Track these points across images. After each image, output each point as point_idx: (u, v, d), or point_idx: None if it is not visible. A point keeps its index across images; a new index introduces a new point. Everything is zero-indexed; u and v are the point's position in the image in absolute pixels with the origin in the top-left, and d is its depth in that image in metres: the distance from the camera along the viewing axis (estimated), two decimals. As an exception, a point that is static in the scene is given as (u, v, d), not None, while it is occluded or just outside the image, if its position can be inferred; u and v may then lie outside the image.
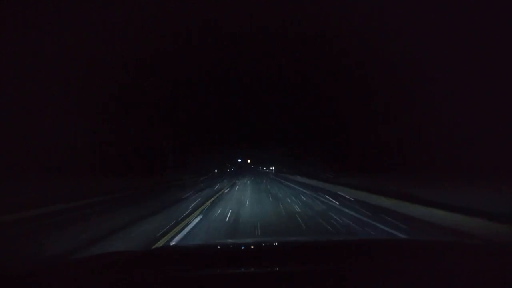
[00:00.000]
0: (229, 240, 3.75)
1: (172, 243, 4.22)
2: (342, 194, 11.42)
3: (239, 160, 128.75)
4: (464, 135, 13.35)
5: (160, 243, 4.08)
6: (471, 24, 13.51)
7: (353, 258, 1.32)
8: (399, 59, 17.05)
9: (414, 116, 16.51)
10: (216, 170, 50.76)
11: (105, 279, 1.08)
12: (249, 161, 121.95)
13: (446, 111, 14.57)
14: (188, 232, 5.00)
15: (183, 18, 24.74)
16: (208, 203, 9.01)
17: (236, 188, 15.65)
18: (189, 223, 5.70)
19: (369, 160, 21.39)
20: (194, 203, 8.81)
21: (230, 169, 76.23)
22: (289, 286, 1.00)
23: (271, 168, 67.33)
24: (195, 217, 6.35)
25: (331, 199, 10.04)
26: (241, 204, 8.83)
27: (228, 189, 15.01)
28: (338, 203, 8.86)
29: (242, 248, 1.78)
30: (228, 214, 6.91)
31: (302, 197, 10.90)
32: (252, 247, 1.81)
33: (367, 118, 22.17)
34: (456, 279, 0.99)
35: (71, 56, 15.22)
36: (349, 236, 4.92)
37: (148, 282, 1.05)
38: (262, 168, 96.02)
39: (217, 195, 11.71)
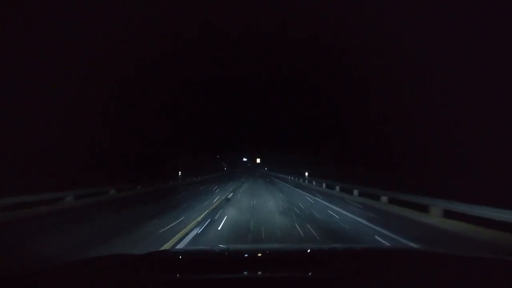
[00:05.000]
0: (231, 246, 3.71)
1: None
2: None
3: (245, 160, 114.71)
4: (465, 135, 13.33)
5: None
6: (472, 23, 13.51)
7: (357, 267, 1.31)
8: (399, 59, 17.04)
9: (415, 116, 16.50)
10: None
11: (106, 281, 1.07)
12: (258, 160, 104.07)
13: (446, 110, 14.56)
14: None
15: (183, 18, 24.76)
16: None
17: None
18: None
19: (373, 159, 21.31)
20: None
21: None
22: None
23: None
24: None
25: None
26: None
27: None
28: None
29: (244, 255, 1.75)
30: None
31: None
32: (254, 253, 1.78)
33: (369, 118, 22.15)
34: None
35: (70, 56, 15.21)
36: (355, 244, 4.80)
37: (148, 285, 1.04)
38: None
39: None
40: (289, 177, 31.92)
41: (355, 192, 13.09)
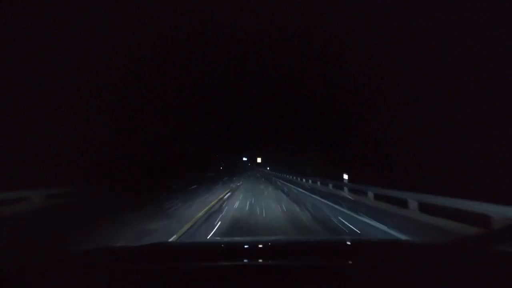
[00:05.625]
0: (227, 238, 3.77)
1: None
2: None
3: (245, 159, 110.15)
4: (466, 137, 13.26)
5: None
6: (471, 23, 13.52)
7: (352, 258, 1.30)
8: (401, 60, 17.07)
9: (417, 117, 16.45)
10: None
11: (100, 274, 1.03)
12: (259, 160, 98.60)
13: (448, 111, 14.50)
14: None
15: (184, 19, 24.83)
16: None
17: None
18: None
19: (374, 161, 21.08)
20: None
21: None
22: (285, 281, 0.99)
23: None
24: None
25: None
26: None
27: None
28: None
29: (244, 246, 1.74)
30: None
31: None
32: (252, 244, 1.78)
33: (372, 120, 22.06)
34: (458, 284, 0.95)
35: (69, 55, 15.18)
36: (352, 236, 4.80)
37: (144, 277, 1.02)
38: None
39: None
40: (306, 182, 20.41)
41: None
